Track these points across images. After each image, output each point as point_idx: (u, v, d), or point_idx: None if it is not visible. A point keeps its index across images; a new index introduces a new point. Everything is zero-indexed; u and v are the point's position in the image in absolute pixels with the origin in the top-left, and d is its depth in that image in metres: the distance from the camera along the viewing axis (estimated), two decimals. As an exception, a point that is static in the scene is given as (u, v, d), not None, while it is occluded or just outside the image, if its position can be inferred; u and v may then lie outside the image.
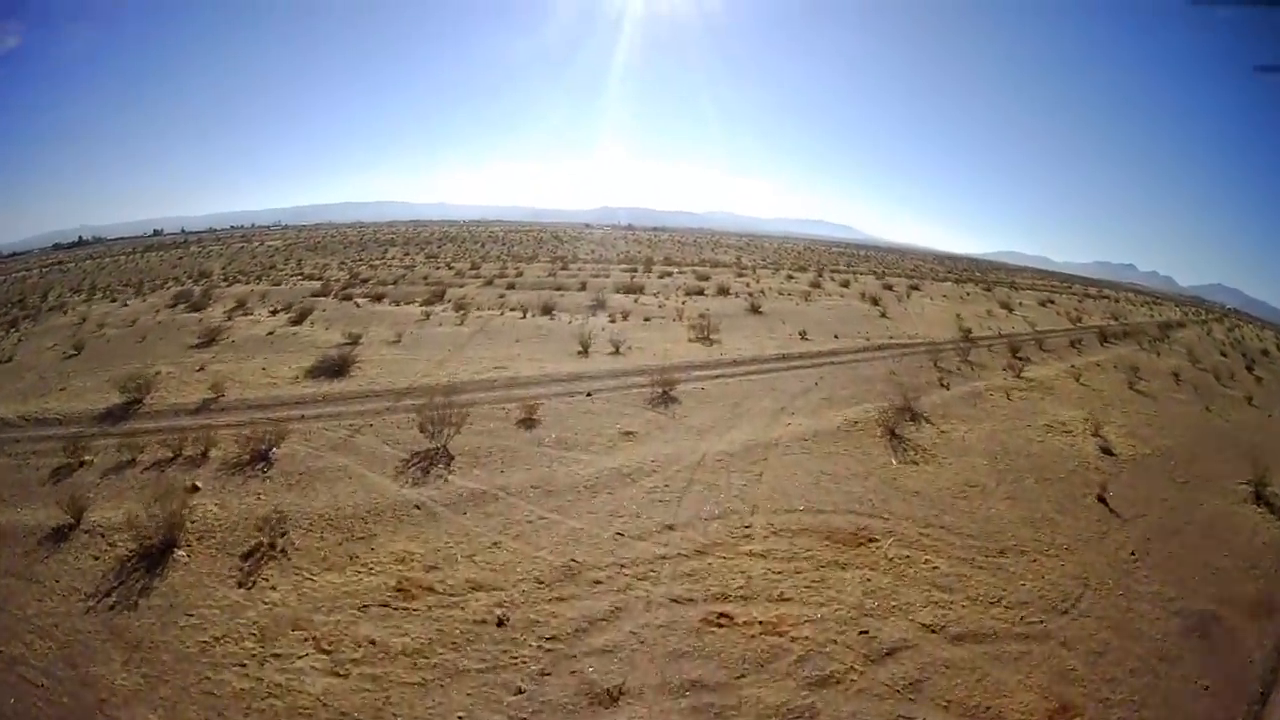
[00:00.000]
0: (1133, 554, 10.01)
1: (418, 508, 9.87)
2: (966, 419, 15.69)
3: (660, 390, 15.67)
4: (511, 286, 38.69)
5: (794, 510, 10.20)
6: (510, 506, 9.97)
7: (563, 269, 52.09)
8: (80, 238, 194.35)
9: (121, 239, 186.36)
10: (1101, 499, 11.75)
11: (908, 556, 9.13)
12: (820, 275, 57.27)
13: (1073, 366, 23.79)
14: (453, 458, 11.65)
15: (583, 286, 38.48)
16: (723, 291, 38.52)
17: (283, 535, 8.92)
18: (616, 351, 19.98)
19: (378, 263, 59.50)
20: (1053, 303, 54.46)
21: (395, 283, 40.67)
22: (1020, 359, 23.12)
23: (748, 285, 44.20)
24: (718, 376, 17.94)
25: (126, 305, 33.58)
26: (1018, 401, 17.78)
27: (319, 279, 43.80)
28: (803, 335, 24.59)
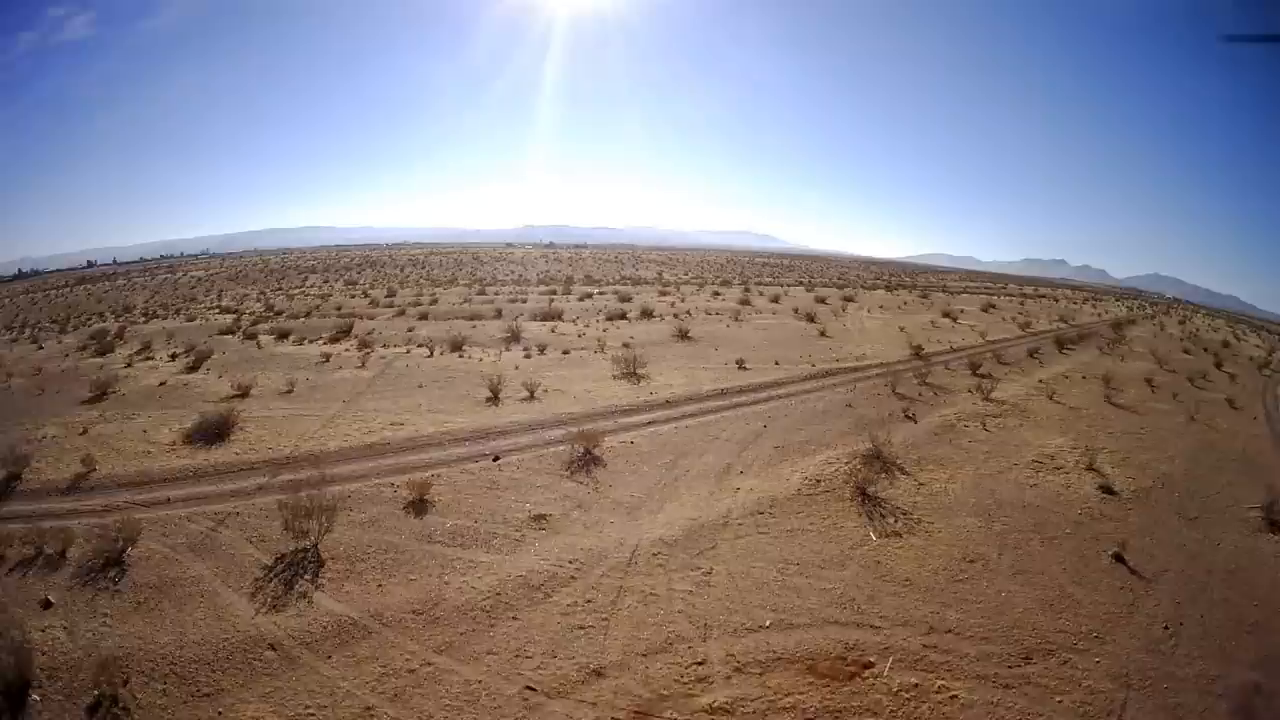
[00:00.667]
0: (1166, 628, 8.42)
1: (273, 649, 7.27)
2: (945, 462, 13.61)
3: (581, 449, 13.02)
4: (424, 316, 36.33)
5: (759, 628, 7.72)
6: (386, 646, 7.33)
7: (480, 294, 50.28)
8: (19, 270, 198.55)
9: (57, 271, 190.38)
10: (1119, 557, 10.00)
11: (916, 685, 6.86)
12: (748, 291, 55.53)
13: (1041, 381, 22.45)
14: (323, 563, 9.02)
15: (498, 314, 36.22)
16: (647, 314, 36.45)
17: (125, 684, 6.80)
18: (531, 396, 17.28)
19: (295, 292, 57.06)
20: (995, 308, 53.99)
21: (308, 314, 38.25)
22: (983, 376, 21.32)
23: (673, 305, 42.29)
24: (649, 424, 15.39)
25: (42, 348, 30.84)
26: (995, 431, 15.97)
27: (234, 312, 41.61)
28: (740, 364, 21.99)
